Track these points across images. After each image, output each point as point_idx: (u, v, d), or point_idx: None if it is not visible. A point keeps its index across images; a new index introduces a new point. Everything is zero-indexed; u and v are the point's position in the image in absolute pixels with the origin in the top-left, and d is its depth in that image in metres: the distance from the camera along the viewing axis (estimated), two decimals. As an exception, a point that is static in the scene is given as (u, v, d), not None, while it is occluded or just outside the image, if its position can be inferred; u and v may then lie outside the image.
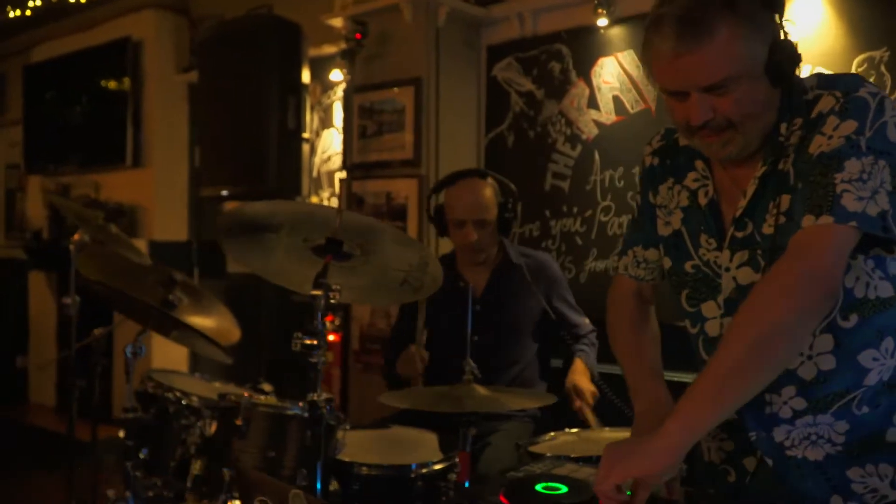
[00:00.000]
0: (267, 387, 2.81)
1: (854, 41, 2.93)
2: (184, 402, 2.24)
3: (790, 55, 1.33)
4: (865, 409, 1.39)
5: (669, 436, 1.23)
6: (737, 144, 1.38)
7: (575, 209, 3.67)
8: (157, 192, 5.37)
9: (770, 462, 1.47)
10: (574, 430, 2.35)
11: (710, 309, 1.51)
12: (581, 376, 2.65)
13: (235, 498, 1.82)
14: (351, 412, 3.87)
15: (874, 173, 1.26)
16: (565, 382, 2.64)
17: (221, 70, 3.91)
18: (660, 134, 1.67)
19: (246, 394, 2.00)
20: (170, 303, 2.12)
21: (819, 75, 1.42)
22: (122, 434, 2.26)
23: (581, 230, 3.63)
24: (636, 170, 3.40)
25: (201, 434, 2.01)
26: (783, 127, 1.38)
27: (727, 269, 1.47)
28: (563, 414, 2.57)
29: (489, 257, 2.73)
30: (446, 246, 2.96)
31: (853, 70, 2.91)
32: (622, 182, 3.52)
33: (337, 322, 4.23)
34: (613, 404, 2.62)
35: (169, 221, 5.40)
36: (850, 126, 1.29)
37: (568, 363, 2.78)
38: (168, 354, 5.32)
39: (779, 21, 1.33)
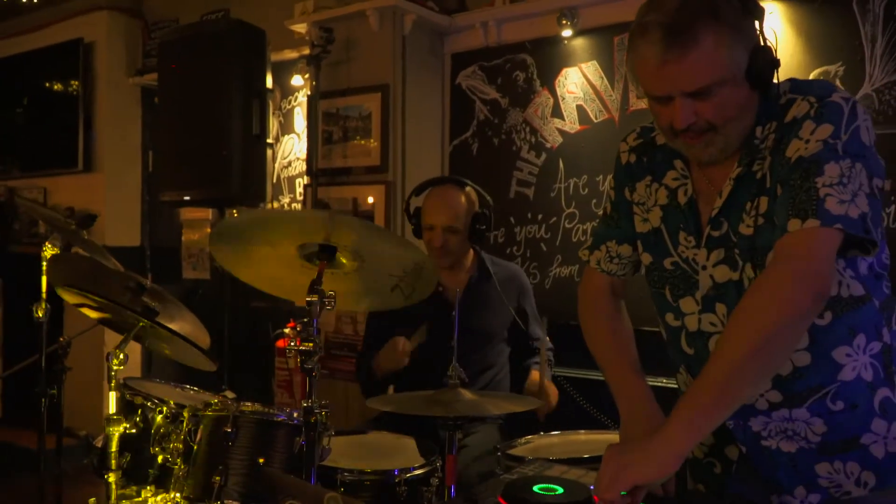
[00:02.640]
0: (229, 394, 2.80)
1: (810, 56, 3.06)
2: (162, 409, 2.21)
3: (769, 60, 1.37)
4: (840, 405, 1.44)
5: (672, 440, 1.24)
6: (717, 146, 1.41)
7: (539, 216, 3.73)
8: (109, 196, 5.25)
9: (744, 450, 1.52)
10: (543, 434, 2.42)
11: (688, 304, 1.54)
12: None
13: (226, 505, 1.81)
14: (317, 419, 3.84)
15: (853, 176, 1.30)
16: (524, 391, 2.71)
17: (183, 74, 3.86)
18: (636, 132, 1.68)
19: (230, 400, 1.99)
20: (152, 310, 2.09)
21: (792, 80, 1.46)
22: (99, 443, 2.23)
23: (546, 237, 3.70)
24: (600, 178, 3.54)
25: (186, 441, 1.99)
26: (759, 130, 1.43)
27: (704, 267, 1.50)
28: (531, 418, 2.63)
29: (459, 264, 2.78)
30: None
31: (808, 84, 3.03)
32: (586, 190, 3.60)
33: (299, 328, 4.20)
34: (581, 408, 2.70)
35: (121, 227, 5.29)
36: (826, 130, 1.33)
37: (521, 375, 2.84)
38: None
39: (759, 27, 1.38)
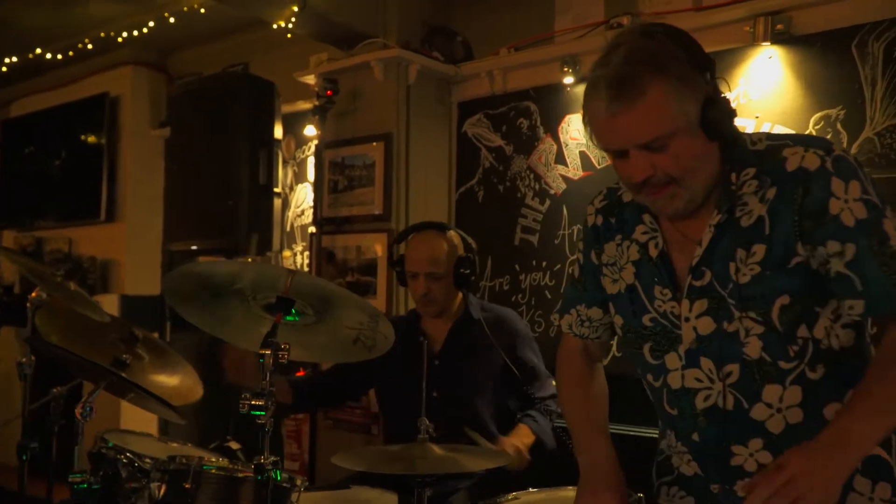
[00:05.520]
0: (234, 445, 2.76)
1: (811, 100, 2.99)
2: (136, 463, 2.19)
3: (723, 110, 1.37)
4: None
5: (851, 432, 1.23)
6: (682, 199, 1.40)
7: (544, 263, 3.68)
8: (129, 246, 5.36)
9: None
10: (534, 489, 2.32)
11: (672, 361, 1.51)
12: (518, 438, 2.56)
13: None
14: (319, 470, 3.80)
15: None
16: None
17: (193, 125, 3.94)
18: (602, 193, 1.68)
19: (198, 455, 1.96)
20: (121, 362, 2.08)
21: (769, 133, 1.47)
22: (69, 497, 2.21)
23: (550, 284, 3.64)
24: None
25: (150, 497, 1.96)
26: (734, 176, 1.41)
27: (686, 319, 1.46)
28: (527, 473, 2.54)
29: (447, 311, 2.71)
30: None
31: (810, 128, 2.97)
32: (590, 237, 3.53)
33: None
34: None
35: (141, 276, 5.37)
36: (855, 187, 1.33)
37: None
38: (138, 414, 5.24)
39: (710, 79, 1.37)
